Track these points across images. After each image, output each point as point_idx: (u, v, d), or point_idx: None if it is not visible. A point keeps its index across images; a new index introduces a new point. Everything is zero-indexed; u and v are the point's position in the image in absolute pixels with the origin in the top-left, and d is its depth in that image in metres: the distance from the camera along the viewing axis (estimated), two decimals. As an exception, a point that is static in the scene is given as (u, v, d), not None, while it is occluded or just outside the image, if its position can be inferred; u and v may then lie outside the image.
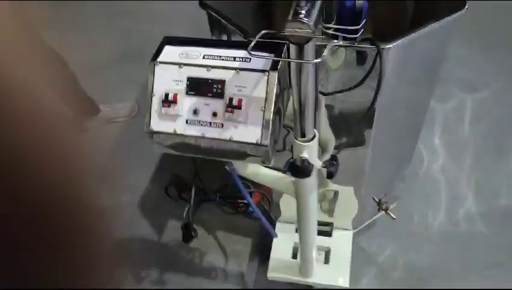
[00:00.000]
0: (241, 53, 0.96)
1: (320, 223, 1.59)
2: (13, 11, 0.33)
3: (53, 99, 0.35)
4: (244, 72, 0.94)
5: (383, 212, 1.55)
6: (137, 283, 1.72)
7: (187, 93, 0.97)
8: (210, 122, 0.96)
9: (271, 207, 1.63)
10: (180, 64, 0.98)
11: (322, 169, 1.00)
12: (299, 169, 0.92)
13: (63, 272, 0.37)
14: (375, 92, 0.91)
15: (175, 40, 1.02)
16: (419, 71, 1.10)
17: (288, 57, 0.83)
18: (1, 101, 0.29)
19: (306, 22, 0.69)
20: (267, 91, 0.92)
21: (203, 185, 1.58)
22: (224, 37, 1.18)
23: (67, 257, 0.37)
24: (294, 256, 1.56)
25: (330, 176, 0.98)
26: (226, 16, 1.10)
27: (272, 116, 0.92)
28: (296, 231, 1.57)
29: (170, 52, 1.01)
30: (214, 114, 0.96)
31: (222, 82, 0.95)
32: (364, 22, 1.06)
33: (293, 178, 1.05)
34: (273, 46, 0.93)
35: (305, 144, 0.94)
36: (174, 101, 0.97)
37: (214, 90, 0.95)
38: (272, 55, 0.92)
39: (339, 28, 1.06)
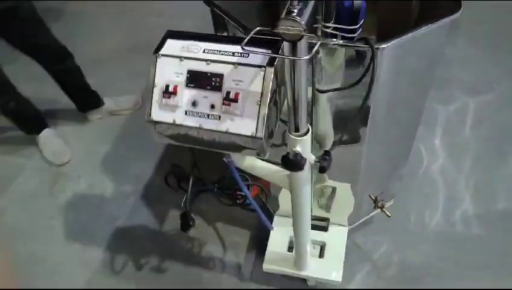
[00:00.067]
0: (239, 48, 0.99)
1: (316, 218, 1.63)
2: None
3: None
4: (242, 67, 0.97)
5: (379, 209, 1.58)
6: (137, 269, 1.77)
7: (187, 85, 1.01)
8: (208, 114, 1.00)
9: (269, 200, 1.66)
10: (181, 58, 1.02)
11: (315, 163, 1.03)
12: (291, 162, 0.96)
13: None
14: (367, 90, 0.94)
15: (177, 34, 1.06)
16: (415, 71, 1.12)
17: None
18: None
19: (298, 20, 0.72)
20: (263, 86, 0.95)
21: (202, 175, 1.61)
22: (226, 33, 1.21)
23: None
24: (290, 249, 1.59)
25: (322, 170, 1.01)
26: (228, 12, 1.13)
27: (267, 111, 0.96)
28: (293, 225, 1.60)
29: (172, 46, 1.04)
30: (212, 106, 0.99)
31: (220, 76, 0.98)
32: (362, 21, 1.08)
33: (287, 171, 1.08)
34: (270, 42, 0.96)
35: (298, 138, 0.97)
36: (174, 93, 1.01)
37: (213, 83, 0.99)
38: (270, 51, 0.96)
39: (338, 28, 1.08)
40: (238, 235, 1.82)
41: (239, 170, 1.24)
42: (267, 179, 1.20)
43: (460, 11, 1.00)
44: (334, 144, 1.07)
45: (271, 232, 1.63)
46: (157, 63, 1.03)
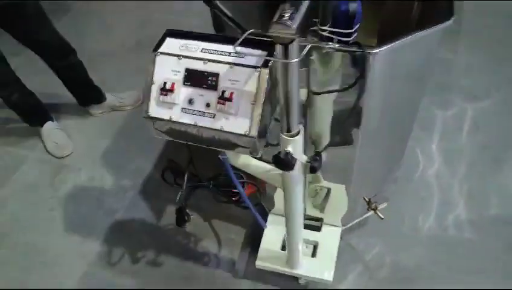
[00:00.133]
0: (237, 49, 1.02)
1: (310, 218, 1.66)
2: None
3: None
4: (238, 67, 1.00)
5: (372, 211, 1.61)
6: (133, 262, 1.80)
7: (184, 83, 1.04)
8: (203, 112, 1.03)
9: (264, 199, 1.69)
10: (179, 56, 1.05)
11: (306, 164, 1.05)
12: (282, 162, 0.98)
13: None
14: (357, 94, 0.97)
15: (177, 32, 1.09)
16: (407, 76, 1.14)
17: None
18: None
19: (289, 24, 0.74)
20: (257, 86, 0.98)
21: (197, 172, 1.64)
22: (225, 33, 1.24)
23: None
24: (284, 248, 1.62)
25: (313, 171, 1.04)
26: (226, 13, 1.15)
27: (260, 110, 0.98)
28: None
29: (171, 44, 1.07)
30: (207, 105, 1.02)
31: (216, 75, 1.01)
32: (358, 26, 1.11)
33: (280, 171, 1.11)
34: (266, 43, 0.99)
35: (290, 138, 1.00)
36: (172, 90, 1.03)
37: (209, 82, 1.02)
38: (265, 52, 0.99)
39: (334, 31, 1.11)
40: (234, 232, 1.85)
41: (234, 167, 1.27)
42: (261, 177, 1.23)
43: (452, 19, 1.02)
44: (326, 145, 1.09)
45: (265, 230, 1.66)
46: (156, 61, 1.06)
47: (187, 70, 1.03)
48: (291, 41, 0.77)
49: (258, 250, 1.63)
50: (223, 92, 0.99)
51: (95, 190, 2.08)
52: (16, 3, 1.76)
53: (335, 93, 1.17)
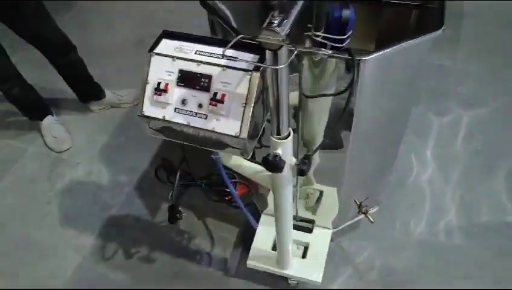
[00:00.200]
0: (229, 52, 1.04)
1: (302, 220, 1.68)
2: None
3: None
4: (230, 70, 1.02)
5: (363, 215, 1.62)
6: (127, 258, 1.83)
7: (177, 84, 1.06)
8: (196, 113, 1.05)
9: (257, 199, 1.71)
10: (173, 57, 1.07)
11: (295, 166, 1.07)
12: (271, 163, 1.00)
13: None
14: (346, 99, 0.99)
15: (172, 34, 1.11)
16: (398, 83, 1.16)
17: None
18: None
19: (277, 31, 0.76)
20: (249, 89, 1.00)
21: (190, 170, 1.67)
22: (222, 35, 1.26)
23: None
24: (275, 248, 1.64)
25: (301, 173, 1.06)
26: (223, 15, 1.18)
27: (251, 113, 1.01)
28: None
29: (166, 45, 1.10)
30: (200, 105, 1.04)
31: (209, 77, 1.03)
32: (350, 32, 1.13)
33: (269, 172, 1.13)
34: (259, 48, 1.01)
35: (279, 141, 1.02)
36: (165, 90, 1.06)
37: (202, 83, 1.04)
38: (257, 56, 1.01)
39: (327, 37, 1.13)
40: (227, 231, 1.88)
41: (227, 167, 1.29)
42: (251, 178, 1.25)
43: (442, 29, 1.04)
44: (316, 149, 1.11)
45: (257, 229, 1.68)
46: (151, 61, 1.09)
47: (181, 71, 1.06)
48: (280, 47, 0.79)
49: (250, 249, 1.66)
50: (215, 93, 1.01)
51: (91, 185, 2.11)
52: None
53: (329, 98, 1.19)
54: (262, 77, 0.99)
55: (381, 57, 1.02)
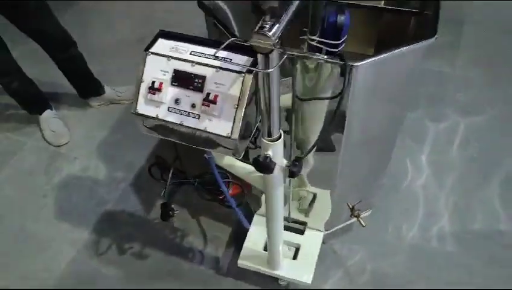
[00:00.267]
0: (224, 53, 1.05)
1: (295, 221, 1.69)
2: None
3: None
4: (224, 71, 1.04)
5: (355, 218, 1.63)
6: (120, 253, 1.84)
7: (172, 83, 1.08)
8: (188, 112, 1.06)
9: (251, 199, 1.72)
10: (168, 57, 1.08)
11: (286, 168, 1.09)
12: (261, 165, 1.02)
13: None
14: (337, 103, 1.00)
15: (169, 34, 1.13)
16: (391, 89, 1.17)
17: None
18: None
19: (268, 35, 0.78)
20: (241, 91, 1.02)
21: (184, 169, 1.68)
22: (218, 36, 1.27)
23: None
24: (266, 248, 1.65)
25: (292, 175, 1.07)
26: (220, 16, 1.19)
27: (243, 114, 1.02)
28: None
29: (162, 45, 1.11)
30: (193, 105, 1.06)
31: (203, 78, 1.05)
32: (345, 37, 1.14)
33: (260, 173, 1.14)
34: (253, 51, 1.02)
35: (270, 143, 1.03)
36: (159, 89, 1.07)
37: (195, 84, 1.05)
38: (251, 59, 1.02)
39: (322, 41, 1.14)
40: (220, 230, 1.89)
41: (220, 167, 1.30)
42: (244, 178, 1.26)
43: (435, 38, 1.05)
44: (307, 151, 1.12)
45: (249, 230, 1.69)
46: (147, 60, 1.10)
47: (175, 71, 1.07)
48: (270, 51, 0.81)
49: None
50: (208, 94, 1.03)
51: (88, 180, 2.12)
52: None
53: (323, 102, 1.20)
54: (256, 78, 1.00)
55: (373, 63, 1.03)
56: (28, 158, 2.24)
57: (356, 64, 1.00)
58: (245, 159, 1.23)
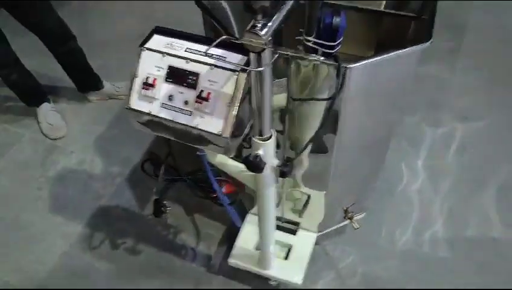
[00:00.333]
0: (219, 51, 1.05)
1: (288, 221, 1.69)
2: None
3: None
4: (218, 69, 1.04)
5: (348, 220, 1.63)
6: (113, 248, 1.85)
7: (166, 80, 1.08)
8: (181, 109, 1.07)
9: (245, 198, 1.72)
10: (163, 53, 1.08)
11: (277, 167, 1.09)
12: (251, 164, 1.02)
13: None
14: (329, 104, 1.00)
15: (164, 30, 1.13)
16: (384, 92, 1.17)
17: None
18: None
19: (260, 34, 0.78)
20: (234, 89, 1.02)
21: (177, 165, 1.68)
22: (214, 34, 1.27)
23: None
24: (258, 248, 1.65)
25: (283, 175, 1.07)
26: (217, 16, 1.19)
27: (235, 112, 1.02)
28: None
29: (158, 41, 1.11)
30: (186, 102, 1.06)
31: (197, 75, 1.05)
32: (341, 39, 1.14)
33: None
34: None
35: (261, 142, 1.03)
36: (153, 85, 1.07)
37: (189, 81, 1.05)
38: (246, 57, 1.02)
39: (317, 42, 1.14)
40: (213, 228, 1.89)
41: (213, 165, 1.30)
42: (236, 177, 1.27)
43: (430, 42, 1.04)
44: (299, 152, 1.12)
45: (242, 228, 1.69)
46: (141, 56, 1.10)
47: (170, 67, 1.07)
48: (262, 50, 0.81)
49: (234, 248, 1.67)
50: (201, 91, 1.03)
51: (83, 174, 2.12)
52: None
53: (317, 103, 1.20)
54: (250, 78, 1.00)
55: (367, 65, 1.02)
56: (25, 150, 2.25)
57: (350, 65, 1.00)
58: (237, 158, 1.23)
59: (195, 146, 1.13)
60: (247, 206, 1.73)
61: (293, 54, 1.01)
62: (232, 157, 1.20)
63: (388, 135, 1.40)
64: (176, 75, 1.06)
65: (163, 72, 1.08)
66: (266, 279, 1.67)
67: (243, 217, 1.72)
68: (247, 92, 1.02)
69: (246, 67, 0.87)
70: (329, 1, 1.43)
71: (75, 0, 3.04)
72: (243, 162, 1.03)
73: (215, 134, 1.03)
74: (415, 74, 1.20)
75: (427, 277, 1.73)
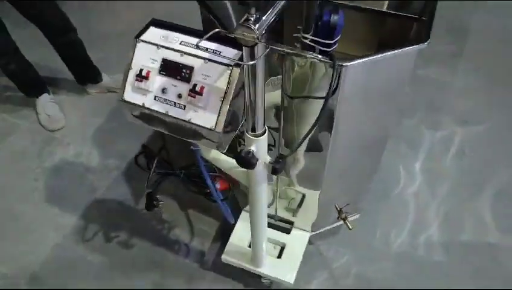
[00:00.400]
0: (214, 45, 1.04)
1: (281, 220, 1.68)
2: None
3: None
4: (212, 63, 1.03)
5: (342, 221, 1.62)
6: (106, 241, 1.84)
7: (160, 72, 1.07)
8: (174, 102, 1.06)
9: (239, 195, 1.71)
10: (158, 46, 1.07)
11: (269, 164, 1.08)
12: (243, 160, 1.01)
13: None
14: (323, 103, 0.98)
15: (160, 23, 1.12)
16: (380, 92, 1.16)
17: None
18: None
19: (253, 28, 0.77)
20: (228, 84, 1.01)
21: (170, 160, 1.67)
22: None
23: None
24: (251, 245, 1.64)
25: (274, 172, 1.06)
26: (213, 11, 1.17)
27: (228, 107, 1.01)
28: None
29: (153, 33, 1.10)
30: (179, 96, 1.05)
31: (191, 68, 1.04)
32: (338, 38, 1.13)
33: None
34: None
35: (254, 138, 1.02)
36: (147, 77, 1.06)
37: (183, 74, 1.05)
38: (241, 52, 1.01)
39: (315, 40, 1.13)
40: (208, 224, 1.88)
41: (206, 161, 1.30)
42: (229, 173, 1.26)
43: (427, 42, 1.03)
44: (294, 149, 1.11)
45: (236, 225, 1.68)
46: (136, 48, 1.09)
47: (164, 60, 1.06)
48: (255, 44, 0.80)
49: (228, 244, 1.66)
50: (195, 85, 1.02)
51: (80, 166, 2.12)
52: None
53: (314, 101, 1.19)
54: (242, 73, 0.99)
55: (363, 64, 1.01)
56: (22, 141, 2.24)
57: (346, 64, 0.99)
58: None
59: (188, 140, 1.12)
60: (241, 203, 1.73)
61: (288, 51, 1.00)
62: (225, 153, 1.20)
63: (384, 136, 1.39)
64: (170, 68, 1.06)
65: (157, 65, 1.07)
66: (259, 277, 1.67)
67: (238, 214, 1.71)
68: (242, 87, 1.02)
69: (239, 62, 0.86)
70: (330, 0, 1.43)
71: (76, 0, 3.03)
72: (234, 157, 1.02)
73: (207, 128, 1.03)
74: (415, 76, 1.20)
75: (421, 279, 1.72)
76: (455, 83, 2.44)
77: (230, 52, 1.03)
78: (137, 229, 1.88)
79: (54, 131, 2.26)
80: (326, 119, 1.16)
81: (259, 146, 1.03)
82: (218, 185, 1.52)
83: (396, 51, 1.03)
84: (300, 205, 1.62)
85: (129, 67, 1.09)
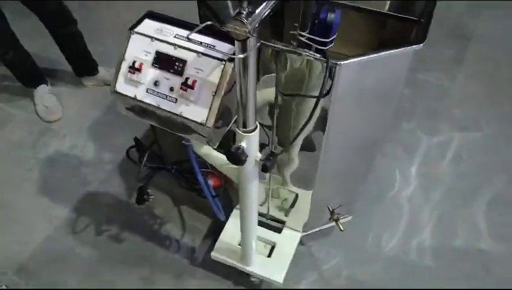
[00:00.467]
0: (208, 40, 1.04)
1: (273, 219, 1.68)
2: None
3: None
4: (206, 58, 1.02)
5: (334, 222, 1.62)
6: (96, 234, 1.83)
7: (153, 65, 1.06)
8: (166, 95, 1.05)
9: (232, 192, 1.71)
10: (152, 38, 1.07)
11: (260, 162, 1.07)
12: (233, 156, 1.00)
13: None
14: (315, 101, 0.98)
15: (156, 15, 1.11)
16: (375, 92, 1.15)
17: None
18: None
19: (245, 22, 0.76)
20: (220, 78, 1.00)
21: (162, 154, 1.66)
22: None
23: None
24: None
25: (264, 169, 1.06)
26: (212, 8, 1.17)
27: (219, 102, 1.00)
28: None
29: (148, 26, 1.10)
30: (171, 89, 1.04)
31: (184, 62, 1.03)
32: (334, 36, 1.12)
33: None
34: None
35: (245, 134, 1.01)
36: (139, 70, 1.06)
37: (176, 67, 1.04)
38: (233, 47, 1.00)
39: (310, 38, 1.12)
40: (199, 221, 1.87)
41: (198, 156, 1.29)
42: (220, 169, 1.25)
43: (423, 44, 1.03)
44: (286, 148, 1.11)
45: (227, 223, 1.67)
46: (130, 39, 1.09)
47: (157, 53, 1.06)
48: (246, 38, 0.79)
49: (219, 242, 1.65)
50: (187, 78, 1.01)
51: (74, 158, 2.11)
52: None
53: (308, 100, 1.18)
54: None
55: (357, 63, 1.01)
56: (18, 131, 2.24)
57: (340, 62, 0.98)
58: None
59: (179, 134, 1.12)
60: (233, 201, 1.72)
61: (281, 47, 0.99)
62: (216, 149, 1.19)
63: (378, 138, 1.38)
64: (163, 61, 1.05)
65: (150, 57, 1.06)
66: (248, 275, 1.66)
67: (230, 211, 1.71)
68: (235, 83, 1.01)
69: (232, 56, 0.85)
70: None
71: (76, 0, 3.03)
72: (224, 153, 1.01)
73: (198, 123, 1.02)
74: (415, 80, 1.19)
75: (411, 283, 1.71)
76: (455, 89, 2.43)
77: (224, 47, 1.02)
78: (129, 223, 1.87)
79: (50, 122, 2.25)
80: (320, 119, 1.16)
81: (249, 142, 1.03)
82: (211, 182, 1.51)
83: (391, 51, 1.03)
84: (293, 204, 1.61)
85: (122, 59, 1.09)
